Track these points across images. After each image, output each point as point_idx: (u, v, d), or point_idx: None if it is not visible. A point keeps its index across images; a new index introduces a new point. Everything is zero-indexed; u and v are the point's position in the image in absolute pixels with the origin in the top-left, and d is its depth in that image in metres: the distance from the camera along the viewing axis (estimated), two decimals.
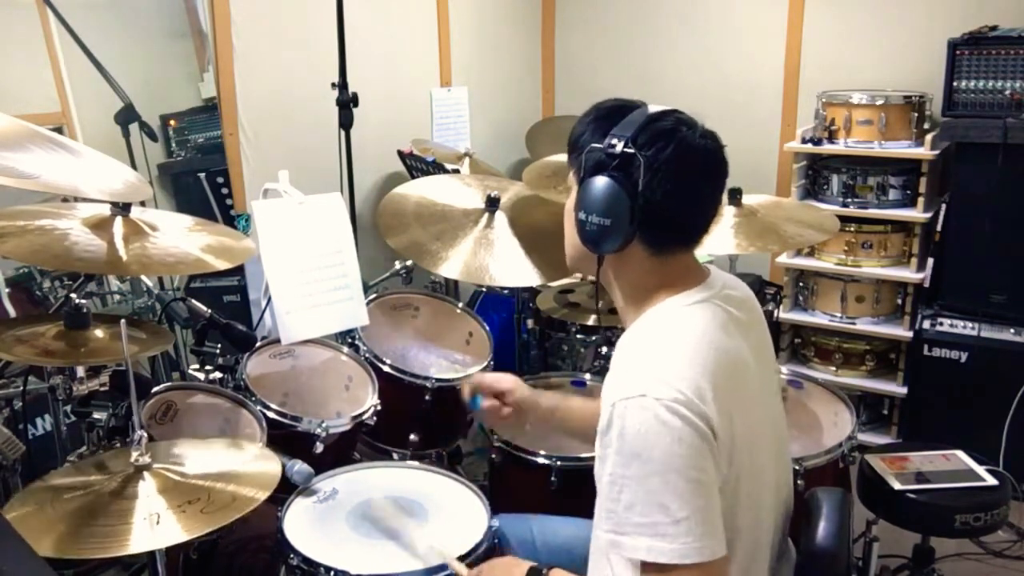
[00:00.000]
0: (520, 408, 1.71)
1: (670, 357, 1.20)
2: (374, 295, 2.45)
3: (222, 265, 1.79)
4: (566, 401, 1.74)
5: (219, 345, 2.05)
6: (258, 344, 2.12)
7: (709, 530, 1.14)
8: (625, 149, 1.23)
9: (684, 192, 1.25)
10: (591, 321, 2.77)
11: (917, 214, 3.13)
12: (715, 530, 1.15)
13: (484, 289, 3.15)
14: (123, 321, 1.46)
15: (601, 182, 1.25)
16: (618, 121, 1.27)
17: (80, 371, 2.06)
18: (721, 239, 2.35)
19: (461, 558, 1.52)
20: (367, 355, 2.25)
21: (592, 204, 1.26)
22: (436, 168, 3.23)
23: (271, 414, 1.94)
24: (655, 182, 1.23)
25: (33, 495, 1.39)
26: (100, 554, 1.27)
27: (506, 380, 1.73)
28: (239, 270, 2.73)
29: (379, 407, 2.12)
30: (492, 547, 1.60)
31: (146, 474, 1.41)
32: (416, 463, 1.95)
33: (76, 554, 1.25)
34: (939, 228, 3.11)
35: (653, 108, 1.29)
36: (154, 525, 1.30)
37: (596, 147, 1.26)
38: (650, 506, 1.13)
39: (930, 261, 3.16)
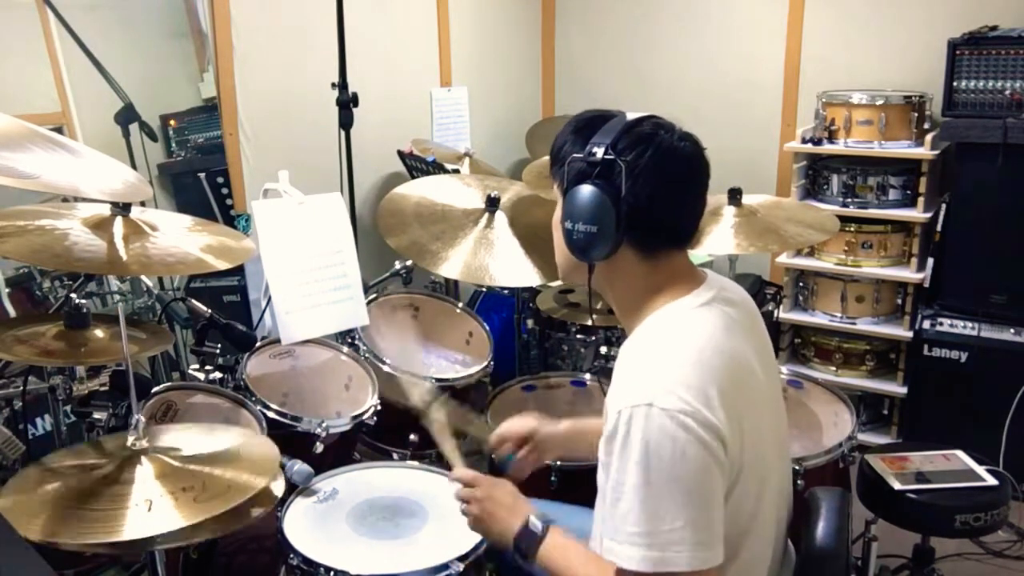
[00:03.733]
0: (543, 447, 1.68)
1: (676, 363, 1.20)
2: (374, 295, 2.45)
3: (222, 265, 1.79)
4: (581, 424, 1.70)
5: (219, 345, 2.05)
6: (258, 344, 2.12)
7: (703, 540, 1.14)
8: (605, 156, 1.24)
9: (666, 194, 1.26)
10: (591, 321, 2.77)
11: (917, 214, 3.13)
12: (711, 540, 1.15)
13: (484, 289, 3.15)
14: (122, 320, 1.46)
15: (584, 190, 1.26)
16: (597, 130, 1.28)
17: (80, 371, 2.06)
18: (721, 239, 2.35)
19: (461, 558, 1.52)
20: (367, 355, 2.25)
21: (578, 213, 1.27)
22: (436, 168, 3.23)
23: (271, 414, 1.94)
24: (637, 186, 1.24)
25: (27, 477, 1.38)
26: (93, 539, 1.25)
27: (527, 423, 1.69)
28: (239, 270, 2.73)
29: (379, 407, 2.12)
30: (492, 547, 1.60)
31: (143, 458, 1.40)
32: (416, 463, 1.95)
33: (69, 538, 1.24)
34: (939, 228, 3.11)
35: (631, 115, 1.30)
36: (147, 511, 1.29)
37: (577, 156, 1.28)
38: (645, 515, 1.13)
39: (930, 261, 3.15)
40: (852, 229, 3.20)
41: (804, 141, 3.32)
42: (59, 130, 2.35)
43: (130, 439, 1.41)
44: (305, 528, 1.63)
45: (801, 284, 3.43)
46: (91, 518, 1.28)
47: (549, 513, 1.56)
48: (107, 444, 1.48)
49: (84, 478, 1.36)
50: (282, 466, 1.63)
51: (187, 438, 1.53)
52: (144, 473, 1.38)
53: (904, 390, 3.19)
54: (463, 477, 1.48)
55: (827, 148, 3.26)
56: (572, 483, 1.95)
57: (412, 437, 2.28)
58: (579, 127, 1.32)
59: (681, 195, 1.29)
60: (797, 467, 1.94)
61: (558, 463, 1.95)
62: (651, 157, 1.24)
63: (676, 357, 1.21)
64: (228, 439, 1.57)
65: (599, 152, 1.25)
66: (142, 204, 1.93)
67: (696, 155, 1.30)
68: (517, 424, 1.69)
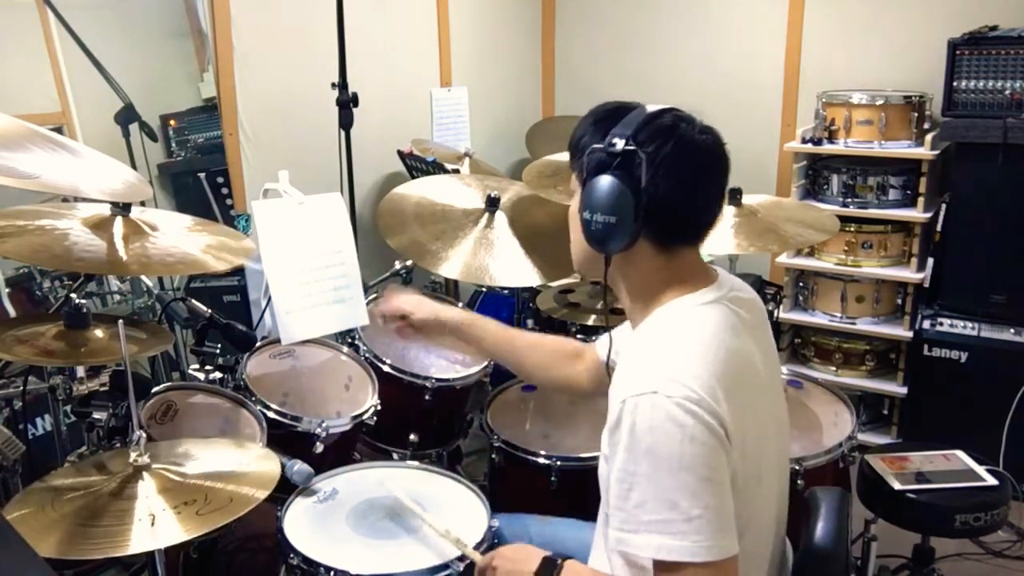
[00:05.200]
0: (424, 327, 1.87)
1: (682, 356, 1.21)
2: (374, 295, 2.45)
3: (222, 266, 1.79)
4: (478, 321, 1.86)
5: (219, 345, 2.05)
6: (258, 344, 2.12)
7: (721, 528, 1.14)
8: (626, 147, 1.24)
9: (686, 186, 1.26)
10: (591, 321, 2.77)
11: (917, 214, 3.13)
12: (727, 528, 1.15)
13: (484, 289, 3.15)
14: (121, 321, 1.46)
15: (605, 181, 1.25)
16: (617, 121, 1.28)
17: (80, 371, 2.06)
18: (721, 239, 2.35)
19: (461, 558, 1.52)
20: (367, 355, 2.25)
21: (597, 203, 1.26)
22: (436, 168, 3.23)
23: (271, 414, 1.94)
24: (657, 178, 1.24)
25: (33, 496, 1.39)
26: (99, 555, 1.27)
27: (407, 302, 1.87)
28: (239, 270, 2.73)
29: (379, 407, 2.12)
30: (492, 547, 1.60)
31: (145, 474, 1.41)
32: (416, 463, 1.95)
33: (76, 555, 1.25)
34: (939, 228, 3.11)
35: (651, 107, 1.30)
36: (151, 525, 1.30)
37: (597, 147, 1.27)
38: (661, 504, 1.13)
39: (930, 261, 3.16)
40: (852, 229, 3.20)
41: (804, 141, 3.32)
42: (59, 130, 2.35)
43: (132, 455, 1.42)
44: (305, 528, 1.63)
45: (801, 284, 3.43)
46: (97, 535, 1.28)
47: (548, 528, 1.59)
48: (109, 461, 1.49)
49: (89, 497, 1.37)
50: (282, 466, 1.63)
51: (188, 450, 1.54)
52: (147, 488, 1.38)
53: (904, 390, 3.19)
54: (479, 564, 1.47)
55: (827, 148, 3.26)
56: (572, 483, 1.95)
57: (412, 437, 2.28)
58: (599, 118, 1.32)
59: (701, 188, 1.29)
60: (797, 467, 1.94)
61: (558, 463, 1.95)
62: (672, 149, 1.24)
63: (682, 350, 1.22)
64: (229, 452, 1.58)
65: (620, 143, 1.24)
66: (142, 204, 1.93)
67: (716, 148, 1.30)
68: (395, 304, 1.88)
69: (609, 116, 1.31)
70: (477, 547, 1.55)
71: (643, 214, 1.24)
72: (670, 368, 1.18)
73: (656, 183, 1.24)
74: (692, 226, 1.31)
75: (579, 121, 1.36)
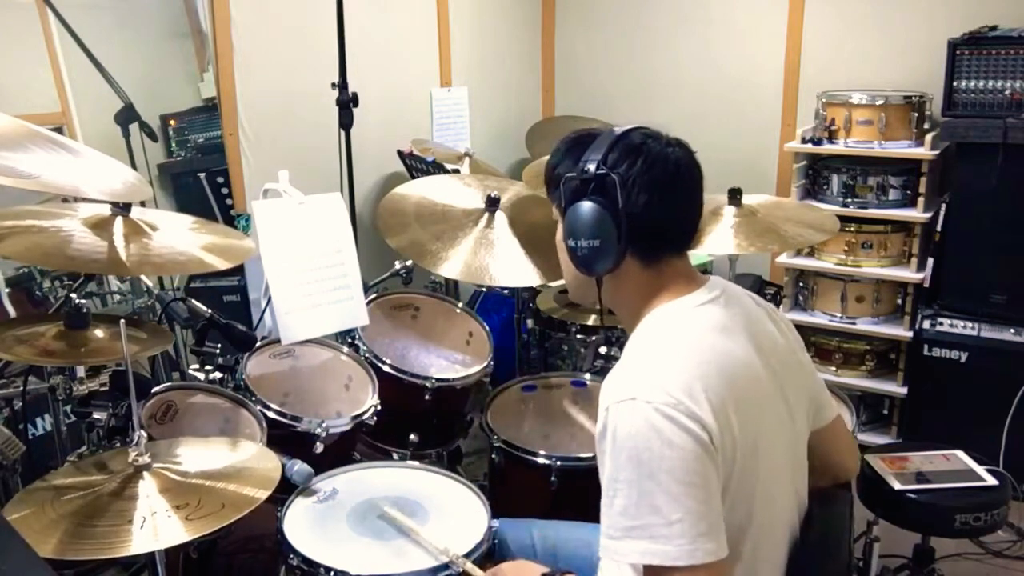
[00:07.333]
0: None
1: (662, 359, 1.21)
2: (374, 295, 2.45)
3: (222, 265, 1.79)
4: None
5: (219, 345, 2.05)
6: (258, 344, 2.12)
7: (704, 531, 1.13)
8: (598, 171, 1.27)
9: (661, 200, 1.28)
10: (591, 321, 2.77)
11: (917, 214, 3.13)
12: (712, 532, 1.14)
13: (484, 289, 3.15)
14: (123, 321, 1.46)
15: (583, 207, 1.28)
16: (588, 147, 1.31)
17: (80, 371, 2.06)
18: (721, 239, 2.35)
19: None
20: (367, 355, 2.25)
21: (579, 230, 1.29)
22: (436, 168, 3.23)
23: (271, 414, 1.94)
24: (632, 196, 1.27)
25: (33, 496, 1.39)
26: (100, 555, 1.27)
27: None
28: (239, 270, 2.73)
29: (379, 407, 2.12)
30: (492, 547, 1.60)
31: (146, 474, 1.41)
32: (416, 463, 1.95)
33: (76, 555, 1.25)
34: (939, 228, 3.11)
35: (619, 128, 1.32)
36: (152, 526, 1.30)
37: (571, 176, 1.30)
38: (642, 509, 1.13)
39: (930, 261, 3.15)
40: (852, 229, 3.20)
41: (804, 141, 3.32)
42: (59, 130, 2.35)
43: (132, 454, 1.42)
44: (305, 528, 1.63)
45: (801, 284, 3.43)
46: (97, 535, 1.29)
47: (550, 531, 1.59)
48: (110, 461, 1.49)
49: (90, 497, 1.37)
50: (282, 466, 1.63)
51: (189, 450, 1.54)
52: (147, 488, 1.38)
53: (904, 390, 3.19)
54: None
55: (827, 148, 3.25)
56: (572, 483, 1.95)
57: (412, 437, 2.28)
58: (570, 147, 1.35)
59: (676, 199, 1.31)
60: None
61: (558, 463, 1.95)
62: (642, 166, 1.27)
63: (663, 354, 1.23)
64: (229, 452, 1.58)
65: (592, 168, 1.28)
66: (142, 204, 1.93)
67: (686, 159, 1.32)
68: None
69: (579, 143, 1.33)
70: (477, 547, 1.55)
71: (625, 233, 1.27)
72: (650, 373, 1.19)
73: (632, 201, 1.26)
74: (674, 236, 1.33)
75: (551, 152, 1.38)
